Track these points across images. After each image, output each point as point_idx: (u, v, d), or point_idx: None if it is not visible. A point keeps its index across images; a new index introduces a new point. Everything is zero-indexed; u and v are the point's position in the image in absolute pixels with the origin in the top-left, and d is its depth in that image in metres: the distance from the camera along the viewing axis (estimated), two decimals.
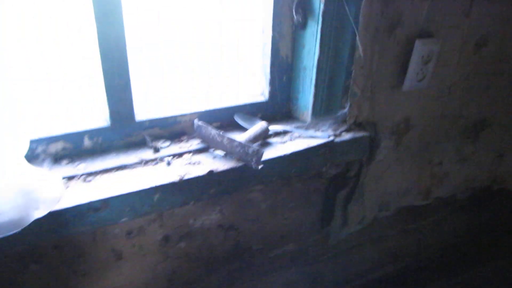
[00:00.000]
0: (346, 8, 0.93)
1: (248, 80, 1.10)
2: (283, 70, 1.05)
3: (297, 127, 1.06)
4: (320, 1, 0.93)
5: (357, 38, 0.96)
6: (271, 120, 1.07)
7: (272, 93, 1.07)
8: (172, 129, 0.98)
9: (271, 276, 1.30)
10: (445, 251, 1.74)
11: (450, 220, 1.63)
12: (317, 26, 0.95)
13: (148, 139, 0.94)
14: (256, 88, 1.10)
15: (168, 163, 0.89)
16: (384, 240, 1.50)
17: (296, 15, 0.97)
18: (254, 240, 1.18)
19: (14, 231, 0.68)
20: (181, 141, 0.97)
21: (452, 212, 1.60)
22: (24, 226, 0.69)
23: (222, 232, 1.10)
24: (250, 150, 0.86)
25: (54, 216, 0.74)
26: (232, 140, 0.88)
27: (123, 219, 0.83)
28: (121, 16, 0.81)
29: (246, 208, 1.10)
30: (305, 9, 0.97)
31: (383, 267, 1.60)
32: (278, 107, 1.10)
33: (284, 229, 1.22)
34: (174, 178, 0.84)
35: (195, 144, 0.96)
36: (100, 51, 0.82)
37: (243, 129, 1.01)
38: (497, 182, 1.62)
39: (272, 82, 1.05)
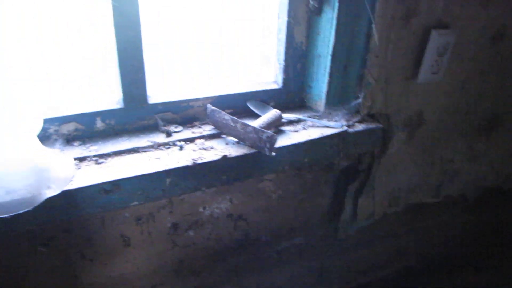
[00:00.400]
0: None
1: (261, 67, 1.09)
2: (298, 58, 1.04)
3: (310, 116, 1.04)
4: None
5: (373, 26, 0.95)
6: (283, 108, 1.06)
7: (285, 81, 1.06)
8: (185, 114, 0.97)
9: (278, 269, 1.28)
10: (453, 251, 1.72)
11: (459, 219, 1.61)
12: (333, 12, 0.94)
13: (160, 123, 0.93)
14: (269, 75, 1.09)
15: (181, 148, 0.88)
16: (392, 237, 1.48)
17: (312, 0, 0.96)
18: (262, 231, 1.16)
19: (26, 209, 0.68)
20: (194, 126, 0.96)
21: (461, 212, 1.58)
22: (35, 205, 0.69)
23: (232, 222, 1.09)
24: (264, 136, 0.85)
25: (66, 196, 0.74)
26: (246, 125, 0.87)
27: (134, 203, 0.82)
28: None
29: (256, 198, 1.09)
30: None
31: (390, 264, 1.58)
32: (291, 96, 1.09)
33: (293, 221, 1.21)
34: (188, 162, 0.83)
35: (207, 129, 0.95)
36: (115, 30, 0.81)
37: (256, 117, 1.00)
38: (508, 182, 1.60)
39: (286, 70, 1.04)
